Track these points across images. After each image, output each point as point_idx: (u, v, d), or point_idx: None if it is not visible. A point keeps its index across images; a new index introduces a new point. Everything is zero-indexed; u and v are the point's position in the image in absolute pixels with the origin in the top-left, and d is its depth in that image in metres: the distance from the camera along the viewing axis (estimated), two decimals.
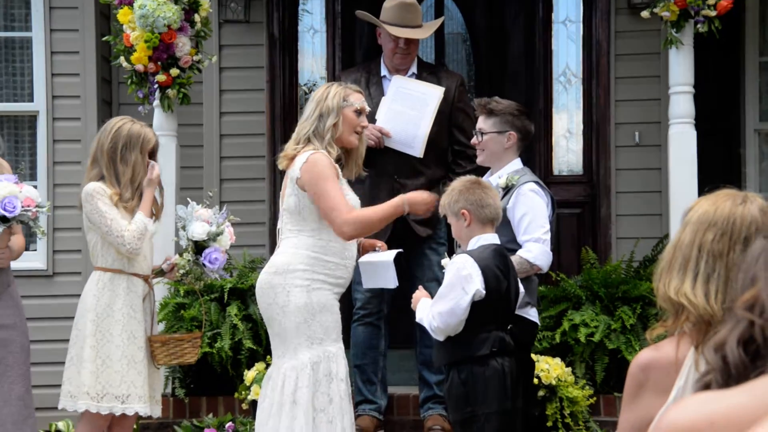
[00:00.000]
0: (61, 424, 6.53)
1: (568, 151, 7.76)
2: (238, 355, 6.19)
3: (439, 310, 4.42)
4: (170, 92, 6.23)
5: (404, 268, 5.12)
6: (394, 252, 4.96)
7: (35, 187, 6.72)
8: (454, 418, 4.66)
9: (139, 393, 5.04)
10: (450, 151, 6.16)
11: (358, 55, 8.10)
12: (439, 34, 7.78)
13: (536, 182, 5.22)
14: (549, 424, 5.85)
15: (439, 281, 5.24)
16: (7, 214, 4.97)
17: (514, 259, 4.92)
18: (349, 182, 4.97)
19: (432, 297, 4.60)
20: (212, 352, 6.14)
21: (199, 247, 5.11)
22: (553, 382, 5.86)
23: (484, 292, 4.39)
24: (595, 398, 6.04)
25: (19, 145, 7.46)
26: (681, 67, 6.26)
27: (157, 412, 5.22)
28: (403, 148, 5.94)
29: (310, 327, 4.66)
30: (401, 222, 5.96)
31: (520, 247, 5.07)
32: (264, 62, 7.36)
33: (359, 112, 4.90)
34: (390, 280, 4.98)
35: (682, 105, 6.28)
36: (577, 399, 5.88)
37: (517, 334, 4.71)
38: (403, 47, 6.04)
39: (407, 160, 5.95)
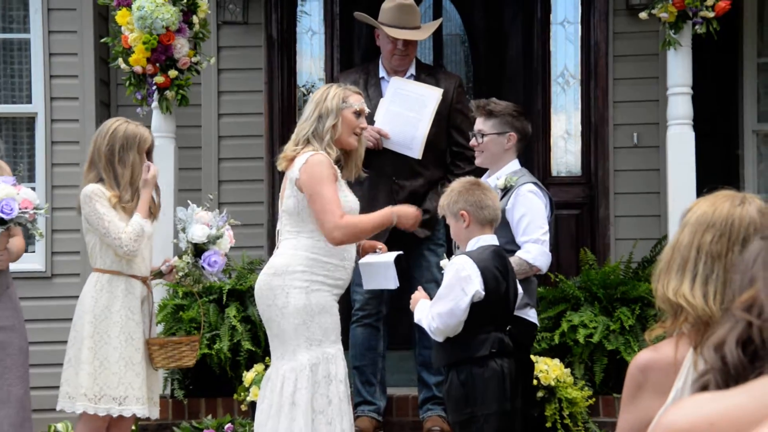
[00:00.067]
0: (60, 426, 6.53)
1: (566, 152, 7.76)
2: (236, 357, 6.19)
3: (438, 311, 4.43)
4: (168, 94, 6.23)
5: (403, 270, 5.12)
6: (394, 253, 4.97)
7: (33, 188, 6.72)
8: (453, 419, 4.66)
9: (137, 395, 5.04)
10: (448, 152, 6.16)
11: (356, 56, 8.10)
12: (437, 35, 7.79)
13: (535, 183, 5.22)
14: (548, 425, 5.85)
15: (437, 282, 5.24)
16: (4, 217, 4.97)
17: (513, 260, 4.92)
18: (348, 183, 4.97)
19: (431, 298, 4.61)
20: (211, 353, 6.14)
21: (198, 249, 5.11)
22: (552, 383, 5.86)
23: (483, 293, 4.39)
24: (594, 399, 6.04)
25: (18, 146, 7.46)
26: (679, 68, 6.26)
27: (155, 413, 5.22)
28: (402, 150, 5.94)
29: (309, 328, 4.66)
30: None
31: (518, 248, 5.07)
32: (262, 64, 7.36)
33: (358, 114, 4.90)
34: (390, 281, 4.98)
35: (680, 106, 6.28)
36: (576, 400, 5.88)
37: (517, 335, 4.71)
38: (402, 49, 6.04)
39: (406, 161, 5.95)
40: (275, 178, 7.16)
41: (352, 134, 4.89)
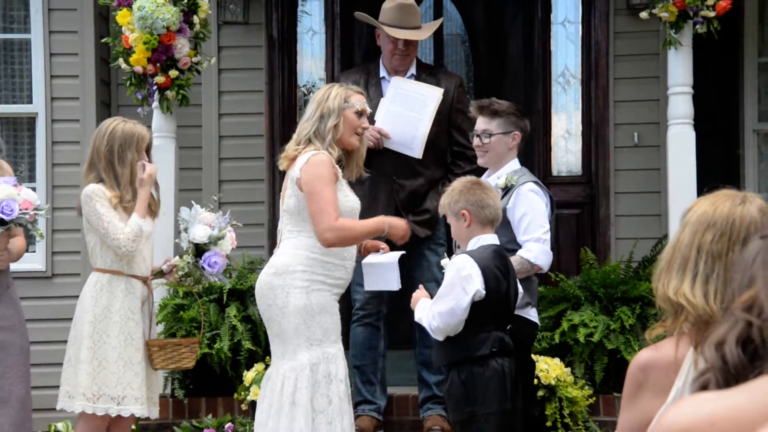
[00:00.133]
0: (60, 425, 6.53)
1: (567, 151, 7.76)
2: (237, 356, 6.19)
3: (439, 310, 4.43)
4: (169, 94, 6.23)
5: (405, 269, 5.12)
6: (398, 254, 4.97)
7: (34, 188, 6.73)
8: (453, 418, 4.66)
9: (136, 394, 5.04)
10: (449, 152, 6.16)
11: (357, 56, 8.10)
12: (438, 35, 7.79)
13: (535, 182, 5.22)
14: (548, 424, 5.85)
15: (438, 282, 5.24)
16: (4, 217, 4.98)
17: (514, 259, 4.92)
18: (349, 183, 4.97)
19: (431, 297, 4.61)
20: (211, 353, 6.14)
21: (199, 249, 5.11)
22: (553, 383, 5.86)
23: (484, 292, 4.39)
24: (594, 398, 6.05)
25: (18, 146, 7.46)
26: (680, 67, 6.26)
27: (154, 413, 5.22)
28: (402, 149, 5.94)
29: (309, 328, 4.66)
30: None
31: (520, 247, 5.07)
32: (263, 64, 7.36)
33: (360, 114, 4.90)
34: (393, 283, 4.98)
35: (681, 106, 6.28)
36: (576, 399, 5.89)
37: (518, 335, 4.72)
38: (402, 48, 6.04)
39: (406, 161, 5.95)
40: (276, 178, 7.16)
41: (354, 134, 4.89)
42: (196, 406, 6.29)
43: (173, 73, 6.17)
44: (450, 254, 5.07)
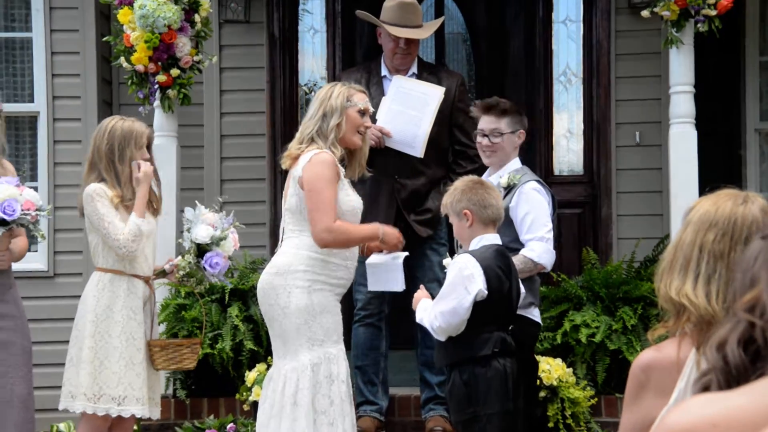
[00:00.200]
0: (62, 426, 6.53)
1: (568, 151, 7.76)
2: (239, 356, 6.19)
3: (441, 310, 4.42)
4: (171, 93, 6.23)
5: (407, 269, 5.12)
6: (402, 254, 4.97)
7: (36, 188, 6.73)
8: (455, 419, 4.66)
9: (137, 395, 5.04)
10: (450, 151, 6.16)
11: (358, 55, 8.10)
12: (439, 34, 7.78)
13: (537, 181, 5.23)
14: (550, 424, 5.85)
15: (440, 282, 5.24)
16: (6, 218, 4.97)
17: (517, 258, 4.92)
18: (351, 182, 4.97)
19: (433, 298, 4.60)
20: (213, 353, 6.14)
21: (201, 250, 5.11)
22: (555, 383, 5.86)
23: (486, 292, 4.39)
24: (596, 399, 6.04)
25: (20, 145, 7.46)
26: (681, 66, 6.25)
27: (156, 414, 5.22)
28: (404, 148, 5.93)
29: (311, 328, 4.65)
30: (401, 222, 5.96)
31: (523, 246, 5.06)
32: (264, 62, 7.36)
33: (363, 112, 4.90)
34: (397, 283, 4.99)
35: (682, 105, 6.27)
36: (578, 400, 5.88)
37: (521, 335, 4.72)
38: (404, 47, 6.03)
39: (408, 160, 5.95)
40: (277, 177, 7.16)
41: (356, 133, 4.89)
42: (198, 407, 6.29)
43: (174, 71, 6.17)
44: (452, 254, 5.07)
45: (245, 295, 6.36)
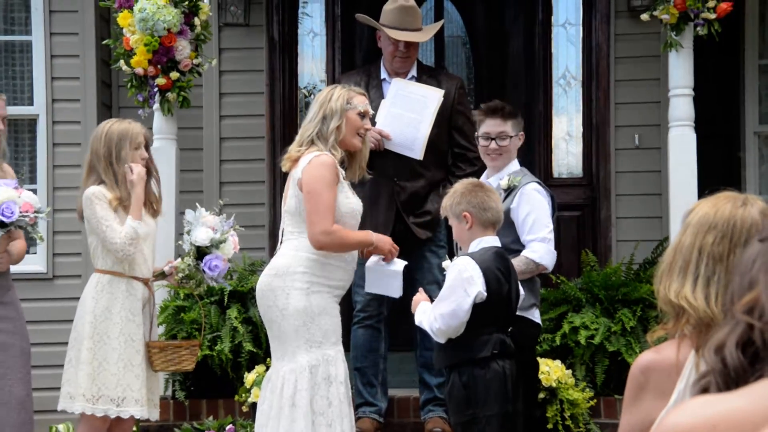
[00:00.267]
0: (61, 427, 6.53)
1: (567, 153, 7.76)
2: (238, 358, 6.19)
3: (440, 312, 4.43)
4: (170, 95, 6.24)
5: (406, 271, 5.12)
6: (403, 263, 4.97)
7: (35, 190, 6.73)
8: (455, 420, 4.66)
9: (136, 396, 5.04)
10: (450, 153, 6.16)
11: (358, 58, 8.10)
12: (438, 37, 7.78)
13: (537, 182, 5.23)
14: (549, 426, 5.85)
15: (439, 284, 5.24)
16: (5, 220, 4.98)
17: (519, 259, 4.93)
18: (350, 184, 4.97)
19: (432, 300, 4.61)
20: (212, 354, 6.14)
21: (200, 252, 5.11)
22: (554, 385, 5.86)
23: (485, 294, 4.40)
24: (595, 400, 6.04)
25: (19, 148, 7.46)
26: (681, 69, 6.26)
27: (155, 415, 5.22)
28: (403, 151, 5.94)
29: (309, 330, 4.66)
30: (401, 224, 5.97)
31: (524, 247, 5.07)
32: (264, 65, 7.36)
33: (363, 115, 4.91)
34: (395, 290, 4.99)
35: (681, 108, 6.28)
36: (577, 401, 5.88)
37: (522, 336, 4.73)
38: (403, 50, 6.04)
39: (407, 162, 5.95)
40: (276, 180, 7.16)
41: (356, 135, 4.89)
42: (197, 408, 6.29)
43: (174, 74, 6.17)
44: (451, 256, 5.07)
45: (244, 297, 6.36)
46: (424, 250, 6.03)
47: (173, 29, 6.07)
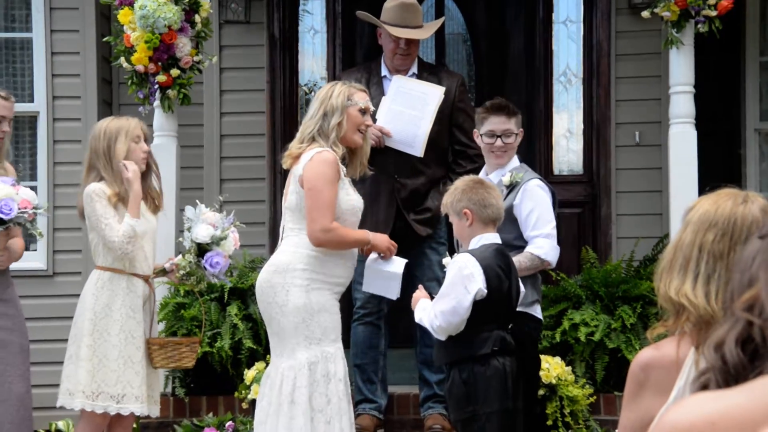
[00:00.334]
0: (61, 424, 6.53)
1: (568, 150, 7.76)
2: (238, 355, 6.19)
3: (441, 309, 4.43)
4: (171, 93, 6.24)
5: (406, 268, 5.12)
6: (403, 262, 4.97)
7: (35, 187, 6.73)
8: (454, 417, 4.66)
9: (136, 393, 5.04)
10: (450, 150, 6.16)
11: (358, 55, 8.10)
12: (439, 34, 7.78)
13: (539, 178, 5.25)
14: (549, 423, 5.85)
15: (439, 281, 5.24)
16: (3, 216, 4.98)
17: (524, 255, 4.95)
18: (351, 181, 4.97)
19: (432, 297, 4.61)
20: (212, 351, 6.15)
21: (201, 249, 5.11)
22: (554, 381, 5.86)
23: (485, 291, 4.40)
24: (595, 397, 6.05)
25: (20, 145, 7.46)
26: (681, 67, 6.26)
27: (155, 412, 5.23)
28: (404, 148, 5.94)
29: (309, 327, 4.66)
30: (401, 221, 5.97)
31: (527, 243, 5.07)
32: (264, 63, 7.36)
33: (363, 111, 4.91)
34: (393, 292, 4.99)
35: (682, 105, 6.28)
36: (577, 398, 5.88)
37: (525, 332, 4.75)
38: (404, 48, 6.03)
39: (408, 159, 5.95)
40: (277, 177, 7.16)
41: (357, 132, 4.89)
42: (197, 405, 6.29)
43: (175, 72, 6.17)
44: (451, 253, 5.08)
45: (244, 294, 6.36)
46: (424, 247, 6.03)
47: (174, 26, 6.07)
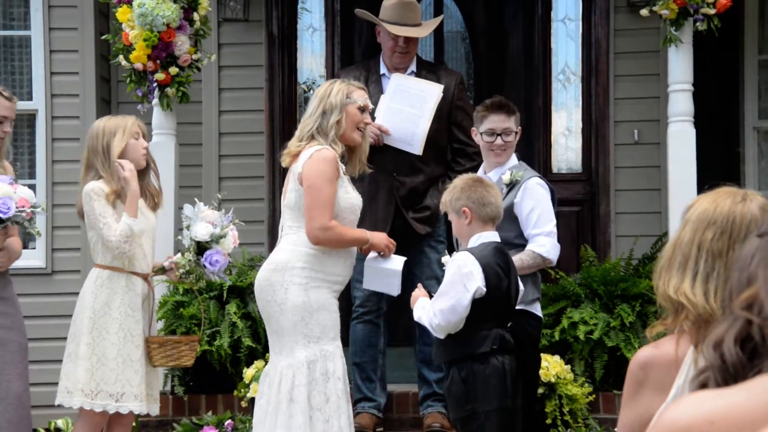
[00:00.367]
0: (60, 422, 6.53)
1: (567, 149, 7.76)
2: (237, 353, 6.19)
3: (440, 307, 4.43)
4: (169, 91, 6.23)
5: (405, 266, 5.12)
6: (402, 260, 4.97)
7: (34, 185, 6.73)
8: (454, 415, 4.66)
9: (135, 392, 5.04)
10: (449, 149, 6.16)
11: (357, 53, 8.10)
12: (438, 32, 7.79)
13: (539, 176, 5.25)
14: (548, 421, 5.85)
15: (438, 279, 5.24)
16: (1, 216, 4.97)
17: (525, 253, 4.95)
18: (350, 179, 4.97)
19: (430, 296, 4.61)
20: (211, 350, 6.14)
21: (201, 247, 5.11)
22: (553, 380, 5.86)
23: (484, 289, 4.40)
24: (594, 396, 6.05)
25: (18, 143, 7.45)
26: (680, 65, 6.26)
27: (154, 410, 5.22)
28: (403, 146, 5.94)
29: (308, 325, 4.65)
30: (400, 219, 5.97)
31: (527, 242, 5.07)
32: (263, 61, 7.36)
33: (362, 109, 4.90)
34: (393, 288, 4.99)
35: (681, 103, 6.28)
36: (576, 396, 5.89)
37: (525, 330, 4.75)
38: (403, 46, 6.03)
39: (406, 157, 5.95)
40: (276, 175, 7.16)
41: (356, 130, 4.89)
42: (196, 403, 6.29)
43: (173, 70, 6.17)
44: (450, 251, 5.08)
45: (243, 293, 6.36)
46: (423, 246, 6.03)
47: (172, 24, 6.07)
